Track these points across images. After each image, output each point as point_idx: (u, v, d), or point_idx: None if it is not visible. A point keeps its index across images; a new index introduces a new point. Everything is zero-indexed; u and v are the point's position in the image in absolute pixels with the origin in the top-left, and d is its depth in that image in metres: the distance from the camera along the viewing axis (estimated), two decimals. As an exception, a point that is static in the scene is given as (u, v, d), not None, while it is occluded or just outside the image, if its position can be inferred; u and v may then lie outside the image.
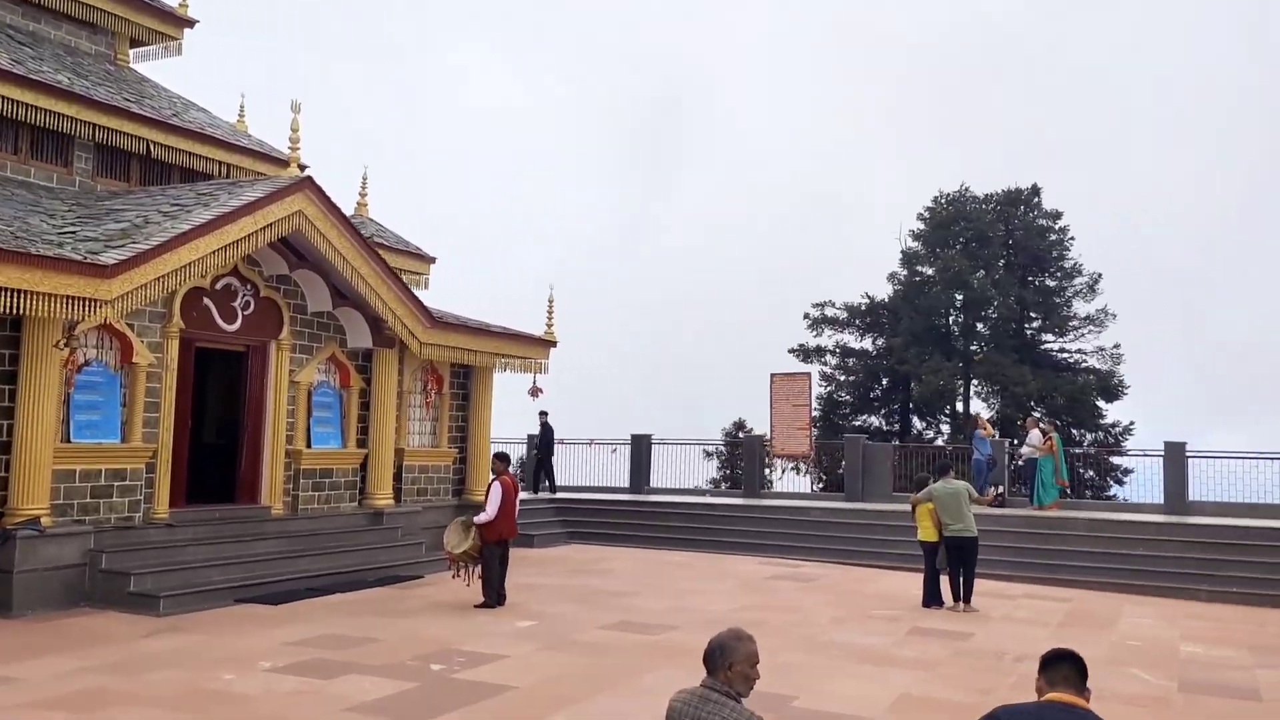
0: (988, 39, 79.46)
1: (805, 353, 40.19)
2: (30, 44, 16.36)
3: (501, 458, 13.22)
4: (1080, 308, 38.92)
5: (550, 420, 23.73)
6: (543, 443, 23.92)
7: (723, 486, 31.66)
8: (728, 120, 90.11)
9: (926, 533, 13.67)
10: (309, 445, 15.78)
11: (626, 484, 25.35)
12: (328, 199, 15.06)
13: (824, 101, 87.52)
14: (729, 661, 4.58)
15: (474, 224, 79.95)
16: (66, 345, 11.98)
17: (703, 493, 25.73)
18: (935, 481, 13.69)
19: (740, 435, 34.30)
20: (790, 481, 27.64)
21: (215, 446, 16.16)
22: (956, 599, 13.39)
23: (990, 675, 9.73)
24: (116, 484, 12.97)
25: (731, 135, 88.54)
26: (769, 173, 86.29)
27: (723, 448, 33.46)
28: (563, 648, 10.29)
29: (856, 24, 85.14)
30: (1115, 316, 38.31)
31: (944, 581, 13.63)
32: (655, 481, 25.55)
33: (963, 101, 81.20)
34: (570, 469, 26.28)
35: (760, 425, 28.75)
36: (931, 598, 13.54)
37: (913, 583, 15.23)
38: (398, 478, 17.41)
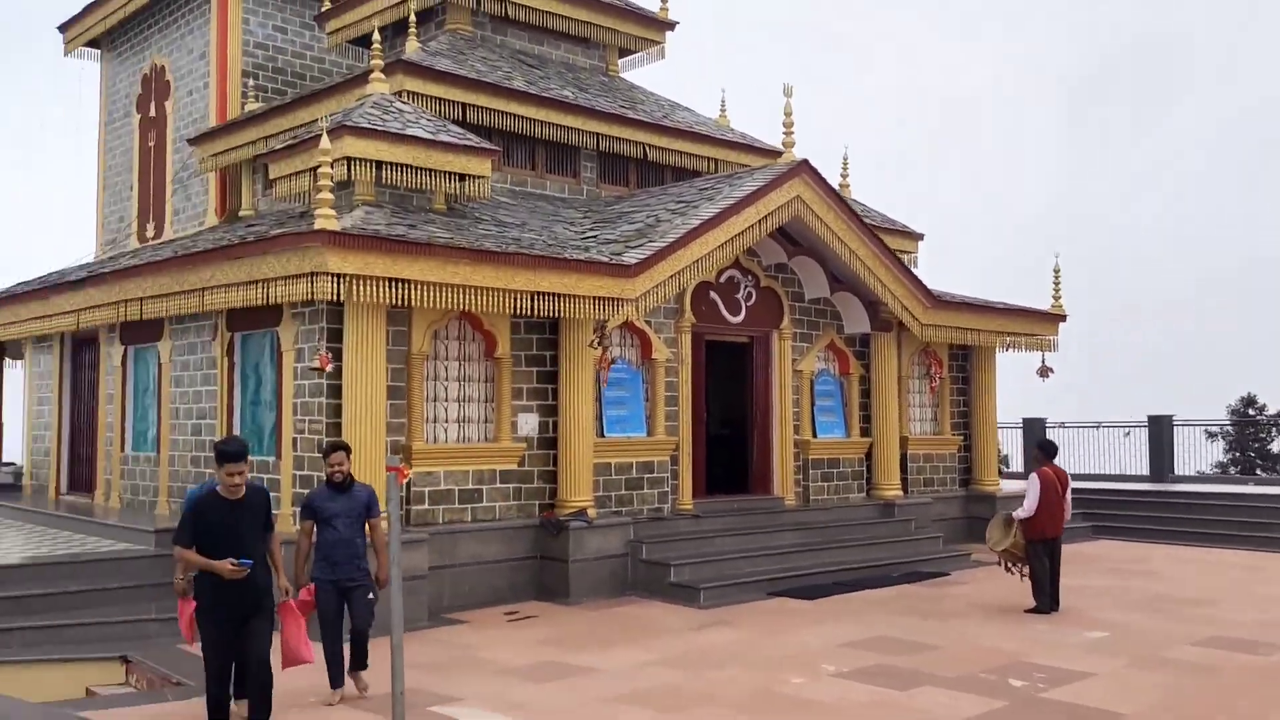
0: None
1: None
2: (537, 65, 17.54)
3: (1043, 447, 11.85)
4: None
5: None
6: None
7: (1231, 471, 27.92)
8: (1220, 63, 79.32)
9: None
10: (815, 435, 15.42)
11: (1143, 471, 22.56)
12: (824, 182, 14.59)
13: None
14: None
15: (941, 201, 77.10)
16: (600, 344, 12.45)
17: (1245, 481, 22.31)
18: None
19: (1249, 413, 30.27)
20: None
21: (719, 438, 16.31)
22: None
23: None
24: (646, 476, 13.35)
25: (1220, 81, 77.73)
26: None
27: (1229, 428, 29.31)
28: (1156, 667, 8.80)
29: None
30: None
31: None
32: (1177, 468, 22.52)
33: None
34: (1078, 455, 23.92)
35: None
36: None
37: None
38: (903, 467, 16.56)
